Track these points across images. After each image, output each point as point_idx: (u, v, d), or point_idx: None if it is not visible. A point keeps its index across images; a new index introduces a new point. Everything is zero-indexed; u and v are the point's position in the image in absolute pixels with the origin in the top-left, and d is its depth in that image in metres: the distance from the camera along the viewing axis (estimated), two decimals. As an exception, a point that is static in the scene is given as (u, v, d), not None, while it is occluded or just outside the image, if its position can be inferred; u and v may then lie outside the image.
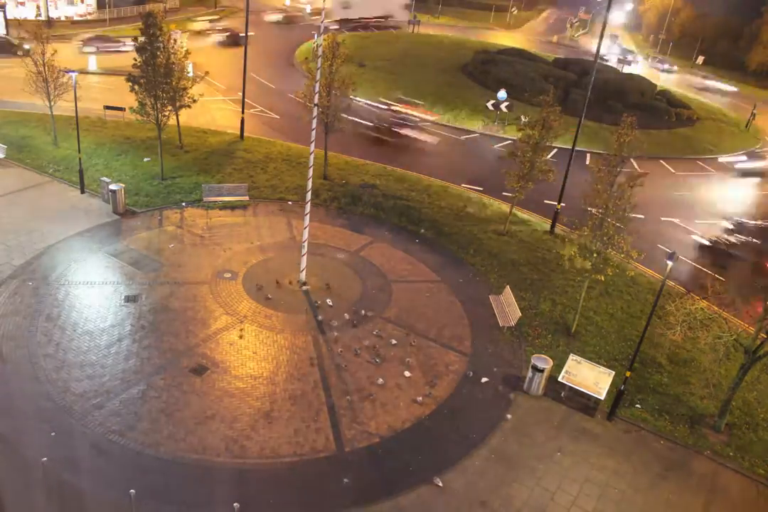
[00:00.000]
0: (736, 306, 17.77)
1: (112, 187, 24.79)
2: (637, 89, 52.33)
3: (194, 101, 28.44)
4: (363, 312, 20.68)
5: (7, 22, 50.03)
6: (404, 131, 38.40)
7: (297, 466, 14.95)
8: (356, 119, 36.71)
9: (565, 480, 15.56)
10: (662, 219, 31.29)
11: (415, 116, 40.66)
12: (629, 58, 74.23)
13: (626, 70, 64.86)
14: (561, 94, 45.84)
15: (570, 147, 28.00)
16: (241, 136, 34.56)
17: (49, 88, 29.76)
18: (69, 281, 20.52)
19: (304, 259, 21.54)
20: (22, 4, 56.93)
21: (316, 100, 20.84)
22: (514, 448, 16.30)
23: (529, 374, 18.09)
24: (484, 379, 18.55)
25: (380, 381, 17.79)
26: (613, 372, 18.03)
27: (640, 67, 73.19)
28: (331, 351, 18.86)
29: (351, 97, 30.04)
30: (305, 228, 21.31)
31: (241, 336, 18.87)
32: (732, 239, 27.83)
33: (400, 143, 37.16)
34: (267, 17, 67.86)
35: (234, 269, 22.19)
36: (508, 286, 21.84)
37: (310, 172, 20.76)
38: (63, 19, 58.36)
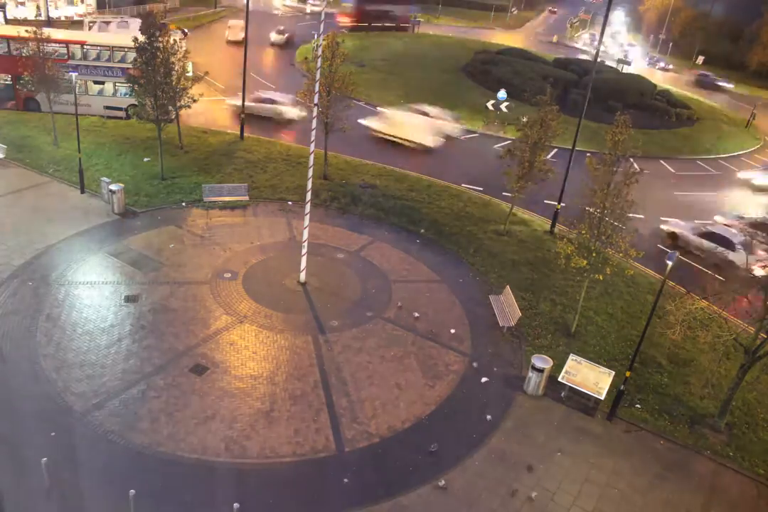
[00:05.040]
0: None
1: (112, 187, 24.78)
2: (637, 89, 52.37)
3: (194, 101, 28.45)
4: (366, 313, 20.70)
5: (7, 22, 50.03)
6: None
7: (297, 466, 14.96)
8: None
9: (565, 480, 15.56)
10: (662, 219, 31.27)
11: None
12: (629, 56, 74.15)
13: (626, 70, 64.85)
14: (561, 93, 45.86)
15: (570, 147, 28.02)
16: (241, 136, 34.56)
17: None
18: (69, 281, 20.52)
19: (304, 259, 21.55)
20: (22, 4, 56.96)
21: (316, 100, 20.84)
22: (514, 448, 16.30)
23: (529, 374, 18.09)
24: (484, 379, 18.55)
25: (379, 381, 17.80)
26: (613, 372, 18.02)
27: (639, 64, 73.06)
28: (332, 351, 18.87)
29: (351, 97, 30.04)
30: (305, 228, 21.31)
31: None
32: None
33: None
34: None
35: (234, 269, 22.19)
36: (508, 286, 21.84)
37: (310, 172, 20.77)
38: (63, 19, 58.36)
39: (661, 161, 40.99)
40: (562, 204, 27.51)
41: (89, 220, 24.24)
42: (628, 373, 17.70)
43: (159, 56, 26.25)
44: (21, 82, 31.30)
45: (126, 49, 33.37)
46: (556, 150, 34.67)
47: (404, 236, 26.12)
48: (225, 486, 14.18)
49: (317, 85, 21.05)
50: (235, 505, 12.79)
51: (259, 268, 22.47)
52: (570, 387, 18.03)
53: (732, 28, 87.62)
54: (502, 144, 37.75)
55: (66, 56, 33.84)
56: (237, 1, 76.03)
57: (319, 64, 20.35)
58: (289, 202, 27.60)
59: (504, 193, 29.48)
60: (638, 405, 18.36)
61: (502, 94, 43.39)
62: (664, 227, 29.82)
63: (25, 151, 29.53)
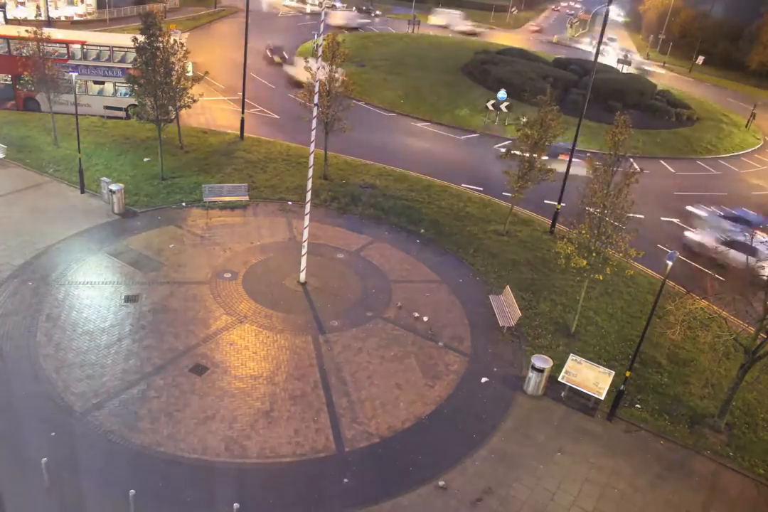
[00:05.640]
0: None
1: (112, 187, 24.78)
2: (637, 89, 52.37)
3: (194, 101, 28.45)
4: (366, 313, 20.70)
5: (7, 22, 50.02)
6: None
7: (297, 466, 14.96)
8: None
9: (565, 480, 15.56)
10: (662, 219, 31.30)
11: None
12: (629, 57, 74.20)
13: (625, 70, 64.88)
14: (561, 93, 45.87)
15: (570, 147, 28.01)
16: (241, 136, 34.58)
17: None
18: (69, 281, 20.52)
19: (304, 259, 21.55)
20: (22, 4, 56.95)
21: (316, 100, 20.85)
22: (514, 448, 16.30)
23: (529, 374, 18.09)
24: (484, 379, 18.56)
25: (379, 381, 17.80)
26: (613, 372, 18.02)
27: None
28: (332, 351, 18.86)
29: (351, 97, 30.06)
30: (305, 228, 21.32)
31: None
32: None
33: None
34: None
35: (234, 269, 22.19)
36: (508, 286, 21.83)
37: (310, 172, 20.77)
38: (63, 19, 58.35)
39: (661, 161, 41.01)
40: (563, 204, 27.51)
41: (89, 220, 24.24)
42: (628, 373, 17.70)
43: (159, 56, 26.26)
44: (21, 82, 31.32)
45: (126, 49, 33.39)
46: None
47: (404, 236, 26.12)
48: (225, 486, 14.17)
49: (317, 85, 21.06)
50: (235, 505, 12.78)
51: (259, 268, 22.47)
52: (570, 387, 18.03)
53: (732, 28, 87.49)
54: (502, 144, 37.80)
55: (66, 56, 33.85)
56: (237, 1, 76.01)
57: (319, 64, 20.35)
58: (289, 202, 27.60)
59: (504, 193, 29.49)
60: (638, 405, 18.36)
61: (502, 94, 43.41)
62: None
63: (25, 151, 29.53)
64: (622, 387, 17.51)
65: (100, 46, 35.00)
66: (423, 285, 22.91)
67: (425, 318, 20.70)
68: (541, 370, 17.79)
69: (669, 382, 19.54)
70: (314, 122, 20.57)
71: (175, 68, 27.06)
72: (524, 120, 26.22)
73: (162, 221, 24.98)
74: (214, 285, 21.23)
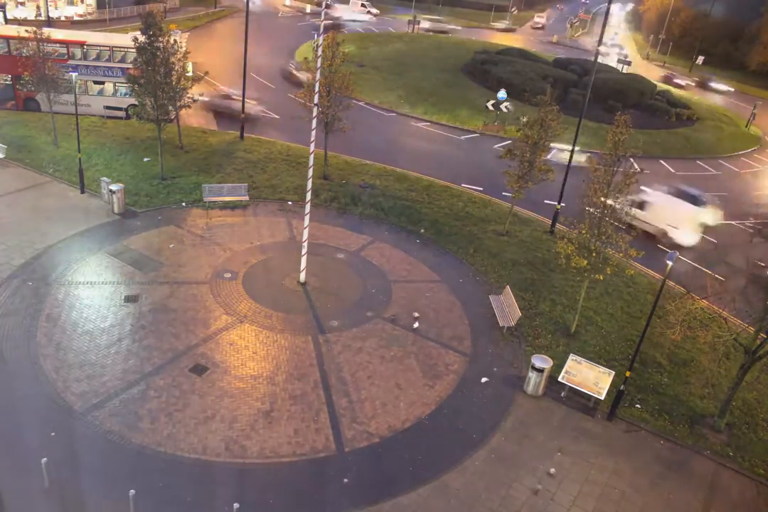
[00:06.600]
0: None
1: (112, 187, 24.79)
2: (637, 89, 52.37)
3: (194, 101, 28.44)
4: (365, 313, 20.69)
5: (7, 22, 49.96)
6: None
7: (297, 466, 14.97)
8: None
9: (565, 480, 15.56)
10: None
11: None
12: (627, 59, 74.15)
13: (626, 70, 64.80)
14: (561, 94, 45.85)
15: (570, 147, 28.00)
16: (241, 136, 34.56)
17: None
18: (69, 281, 20.52)
19: (304, 259, 21.55)
20: (22, 4, 56.91)
21: (316, 100, 20.85)
22: (514, 448, 16.30)
23: (529, 374, 18.09)
24: (484, 379, 18.55)
25: (379, 381, 17.80)
26: (613, 372, 18.03)
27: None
28: (332, 351, 18.86)
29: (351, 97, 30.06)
30: (305, 228, 21.32)
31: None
32: None
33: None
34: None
35: (234, 269, 22.19)
36: (508, 286, 21.83)
37: (310, 172, 20.77)
38: (63, 19, 58.31)
39: (661, 161, 41.00)
40: (563, 204, 27.51)
41: (89, 220, 24.23)
42: (628, 373, 17.71)
43: (159, 56, 26.27)
44: (21, 82, 31.31)
45: (126, 49, 33.39)
46: (555, 150, 34.67)
47: (404, 236, 26.12)
48: (225, 486, 14.18)
49: (317, 85, 21.06)
50: (235, 505, 12.79)
51: (259, 268, 22.47)
52: (570, 387, 18.03)
53: (732, 28, 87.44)
54: (502, 144, 37.77)
55: (66, 56, 33.85)
56: (237, 1, 75.96)
57: (319, 64, 20.36)
58: (289, 202, 27.60)
59: (504, 193, 29.48)
60: (638, 405, 18.36)
61: (502, 94, 43.38)
62: None
63: (25, 151, 29.52)
64: (622, 387, 17.52)
65: (100, 46, 35.00)
66: (423, 285, 22.91)
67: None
68: (541, 370, 17.79)
69: (669, 382, 19.55)
70: (314, 122, 20.58)
71: (175, 68, 27.08)
72: (524, 120, 26.20)
73: (162, 221, 24.98)
74: (214, 285, 21.22)
